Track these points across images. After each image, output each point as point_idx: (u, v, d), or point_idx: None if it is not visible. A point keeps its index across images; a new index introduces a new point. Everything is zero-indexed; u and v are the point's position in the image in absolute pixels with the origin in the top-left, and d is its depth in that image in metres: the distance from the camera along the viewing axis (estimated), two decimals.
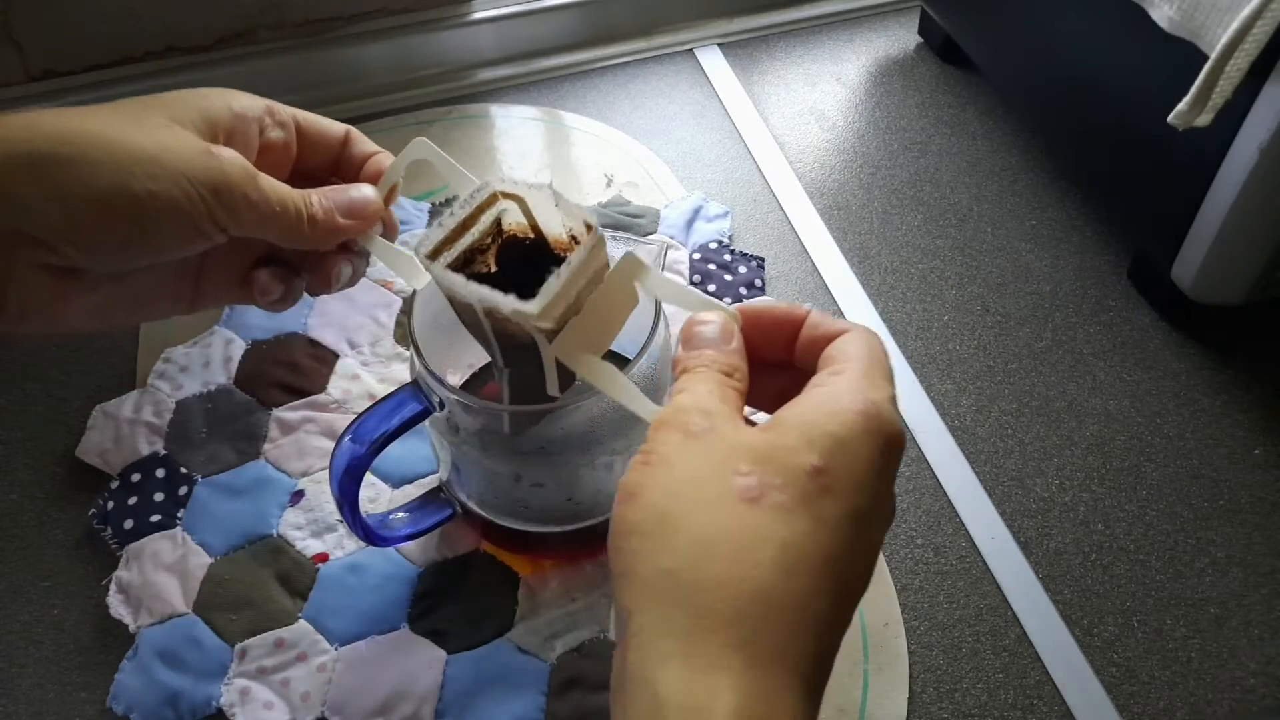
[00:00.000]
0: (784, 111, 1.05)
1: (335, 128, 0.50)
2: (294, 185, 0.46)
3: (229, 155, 0.41)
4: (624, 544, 0.31)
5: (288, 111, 0.49)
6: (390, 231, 0.50)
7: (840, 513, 0.30)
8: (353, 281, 0.51)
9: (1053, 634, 0.66)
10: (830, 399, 0.33)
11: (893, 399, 0.34)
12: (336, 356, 0.78)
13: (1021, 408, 0.79)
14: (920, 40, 1.13)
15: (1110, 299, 0.87)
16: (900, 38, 1.14)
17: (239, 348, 0.79)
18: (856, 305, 0.86)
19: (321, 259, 0.49)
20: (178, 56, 0.99)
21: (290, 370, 0.77)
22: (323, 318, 0.81)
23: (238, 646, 0.63)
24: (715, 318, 0.39)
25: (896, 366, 0.80)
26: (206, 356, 0.78)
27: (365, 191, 0.47)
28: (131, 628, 0.64)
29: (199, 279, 0.48)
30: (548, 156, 0.99)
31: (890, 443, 0.33)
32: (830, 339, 0.36)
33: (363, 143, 0.50)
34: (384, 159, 0.50)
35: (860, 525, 0.31)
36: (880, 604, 0.67)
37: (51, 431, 0.76)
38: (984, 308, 0.86)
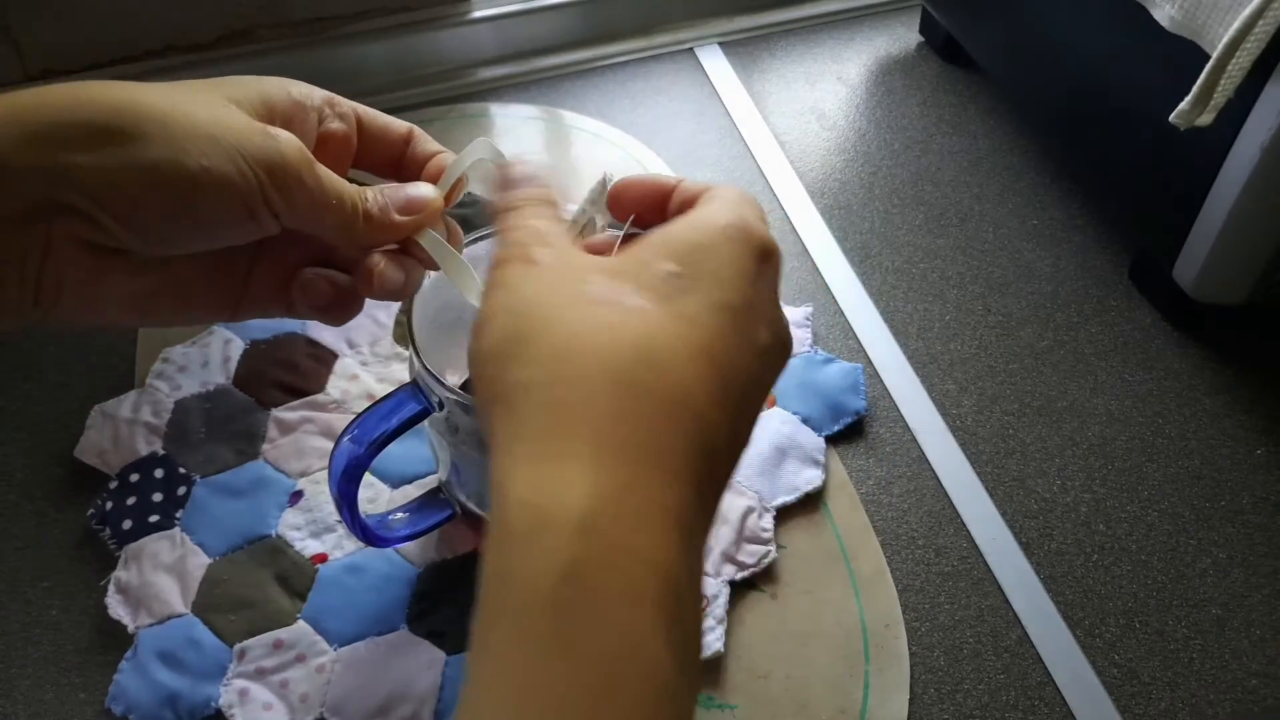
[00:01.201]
0: (785, 111, 1.04)
1: (398, 125, 0.49)
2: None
3: (286, 137, 0.39)
4: (481, 373, 0.29)
5: (349, 104, 0.47)
6: (454, 239, 0.47)
7: (705, 305, 0.28)
8: (405, 291, 0.46)
9: (1054, 635, 0.66)
10: (694, 218, 0.31)
11: (763, 221, 0.32)
12: (335, 356, 0.78)
13: (1023, 408, 0.79)
14: (921, 39, 1.12)
15: (1112, 299, 0.87)
16: (901, 36, 1.13)
17: (238, 347, 0.79)
18: (858, 305, 0.85)
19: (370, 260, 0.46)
20: (176, 55, 0.99)
21: (289, 370, 0.77)
22: None
23: (236, 647, 0.63)
24: (531, 160, 0.38)
25: (898, 366, 0.80)
26: (205, 356, 0.78)
27: (423, 190, 0.45)
28: (130, 628, 0.64)
29: (247, 281, 0.44)
30: (547, 156, 0.98)
31: (762, 251, 0.31)
32: (701, 194, 0.35)
33: (426, 142, 0.48)
34: (447, 158, 0.48)
35: (735, 320, 0.29)
36: (881, 605, 0.67)
37: (50, 431, 0.76)
38: (985, 308, 0.86)
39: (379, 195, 0.44)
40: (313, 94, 0.45)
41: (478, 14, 1.06)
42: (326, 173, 0.42)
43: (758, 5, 1.15)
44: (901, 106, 1.05)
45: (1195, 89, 0.65)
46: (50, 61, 0.96)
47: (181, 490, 0.70)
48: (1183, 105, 0.66)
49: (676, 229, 0.30)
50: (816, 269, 0.88)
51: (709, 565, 0.67)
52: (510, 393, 0.27)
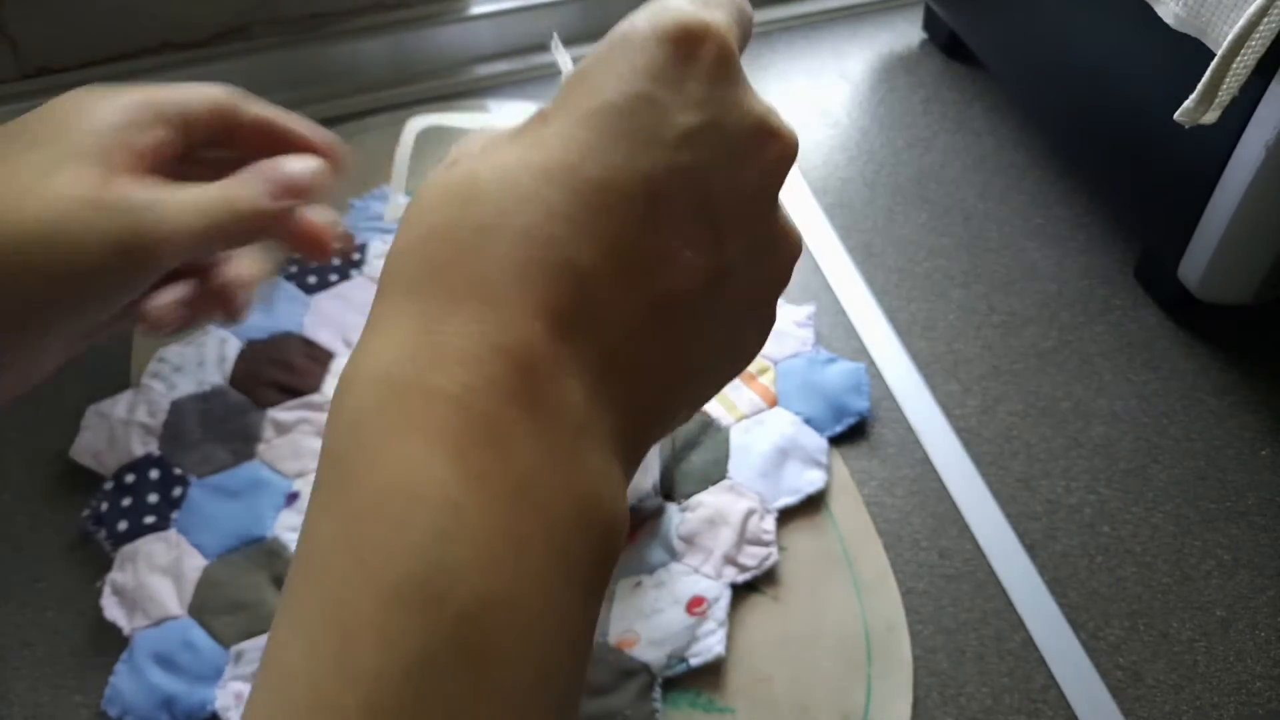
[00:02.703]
0: (787, 108, 1.04)
1: (206, 93, 0.39)
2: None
3: (131, 200, 0.34)
4: None
5: (166, 95, 0.39)
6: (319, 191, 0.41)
7: (565, 123, 0.23)
8: (198, 321, 0.41)
9: (1058, 637, 0.65)
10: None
11: (704, 4, 0.25)
12: (331, 356, 0.78)
13: (1027, 409, 0.78)
14: (925, 36, 1.12)
15: (1117, 298, 0.86)
16: (904, 33, 1.13)
17: (234, 347, 0.78)
18: (861, 304, 0.85)
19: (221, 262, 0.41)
20: (173, 53, 0.98)
21: (285, 370, 0.76)
22: (318, 317, 0.80)
23: (233, 649, 0.63)
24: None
25: (901, 366, 0.80)
26: (201, 356, 0.78)
27: (298, 166, 0.39)
28: (126, 630, 0.64)
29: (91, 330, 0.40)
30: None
31: (673, 36, 0.24)
32: None
33: (248, 106, 0.40)
34: (282, 120, 0.41)
35: (616, 119, 0.23)
36: (884, 608, 0.66)
37: (45, 432, 0.75)
38: (989, 307, 0.85)
39: (250, 184, 0.38)
40: (128, 104, 0.36)
41: (476, 10, 1.05)
42: (184, 203, 0.36)
43: (759, 1, 1.14)
44: (904, 104, 1.04)
45: (1200, 86, 0.65)
46: (46, 59, 0.95)
47: (177, 491, 0.70)
48: (1187, 103, 0.66)
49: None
50: (818, 268, 0.88)
51: (710, 568, 0.66)
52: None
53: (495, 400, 0.21)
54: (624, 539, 0.23)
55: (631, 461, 0.24)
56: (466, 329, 0.21)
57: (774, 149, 0.24)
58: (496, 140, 0.24)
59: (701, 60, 0.24)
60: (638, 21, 0.25)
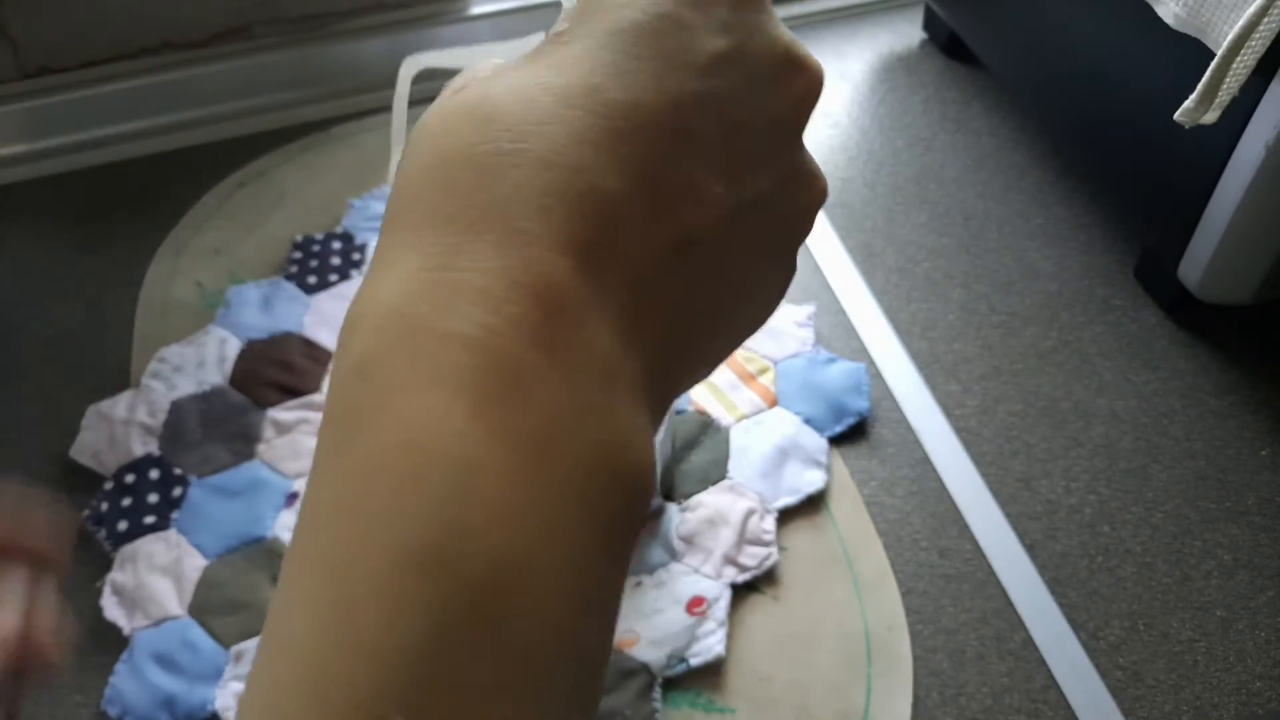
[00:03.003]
0: None
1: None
2: None
3: None
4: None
5: None
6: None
7: (584, 45, 0.21)
8: None
9: (1058, 638, 0.65)
10: None
11: None
12: (332, 356, 0.78)
13: (1027, 409, 0.78)
14: (925, 36, 1.11)
15: (1117, 298, 0.86)
16: (904, 33, 1.13)
17: (234, 347, 0.78)
18: (861, 304, 0.85)
19: None
20: (173, 53, 0.98)
21: (285, 370, 0.76)
22: (318, 317, 0.80)
23: (233, 649, 0.63)
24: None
25: (901, 366, 0.80)
26: (201, 356, 0.78)
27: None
28: (126, 630, 0.64)
29: None
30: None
31: None
32: None
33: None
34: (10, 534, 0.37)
35: (638, 39, 0.21)
36: (884, 607, 0.66)
37: (45, 432, 0.75)
38: (990, 307, 0.85)
39: None
40: None
41: (475, 10, 1.05)
42: None
43: None
44: (904, 104, 1.04)
45: (1200, 87, 0.64)
46: (47, 59, 0.95)
47: (177, 491, 0.70)
48: (1187, 103, 0.65)
49: None
50: (818, 268, 0.88)
51: (710, 568, 0.66)
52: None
53: (518, 344, 0.19)
54: (653, 494, 0.22)
55: (657, 414, 0.22)
56: (486, 264, 0.19)
57: (801, 80, 0.23)
58: (509, 64, 0.22)
59: None
60: None
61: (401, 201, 0.21)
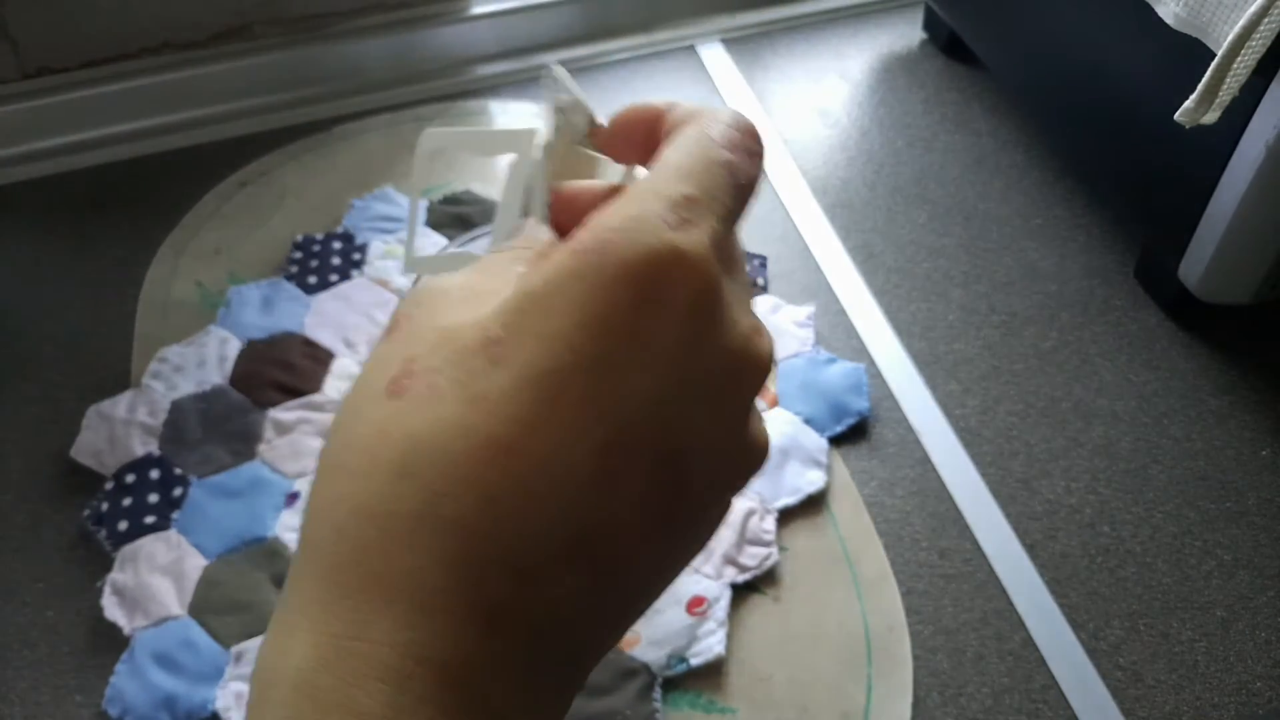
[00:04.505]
0: (787, 108, 1.04)
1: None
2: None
3: None
4: None
5: None
6: None
7: (515, 379, 0.20)
8: None
9: (1059, 638, 0.65)
10: (572, 241, 0.21)
11: (683, 217, 0.21)
12: (332, 356, 0.78)
13: (1028, 409, 0.78)
14: (925, 36, 1.12)
15: (1117, 298, 0.86)
16: (905, 33, 1.13)
17: (234, 347, 0.78)
18: (861, 304, 0.85)
19: None
20: (174, 53, 0.98)
21: (286, 370, 0.76)
22: (319, 317, 0.80)
23: (234, 649, 0.63)
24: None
25: (902, 366, 0.80)
26: (201, 356, 0.78)
27: None
28: (126, 630, 0.64)
29: None
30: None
31: (648, 275, 0.20)
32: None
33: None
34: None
35: (563, 387, 0.20)
36: (884, 608, 0.66)
37: (46, 432, 0.75)
38: (990, 307, 0.85)
39: None
40: None
41: (477, 10, 1.05)
42: None
43: (760, 1, 1.14)
44: (905, 104, 1.04)
45: (1200, 87, 0.64)
46: (47, 59, 0.95)
47: (178, 491, 0.70)
48: (1188, 103, 0.65)
49: (529, 272, 0.22)
50: (818, 268, 0.88)
51: (710, 568, 0.66)
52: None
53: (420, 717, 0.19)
54: None
55: (568, 698, 0.23)
56: (394, 637, 0.20)
57: (752, 378, 0.22)
58: (457, 358, 0.21)
59: (671, 305, 0.20)
60: (605, 242, 0.21)
61: (313, 545, 0.21)
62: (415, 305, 0.23)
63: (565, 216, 0.26)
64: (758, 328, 0.22)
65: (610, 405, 0.20)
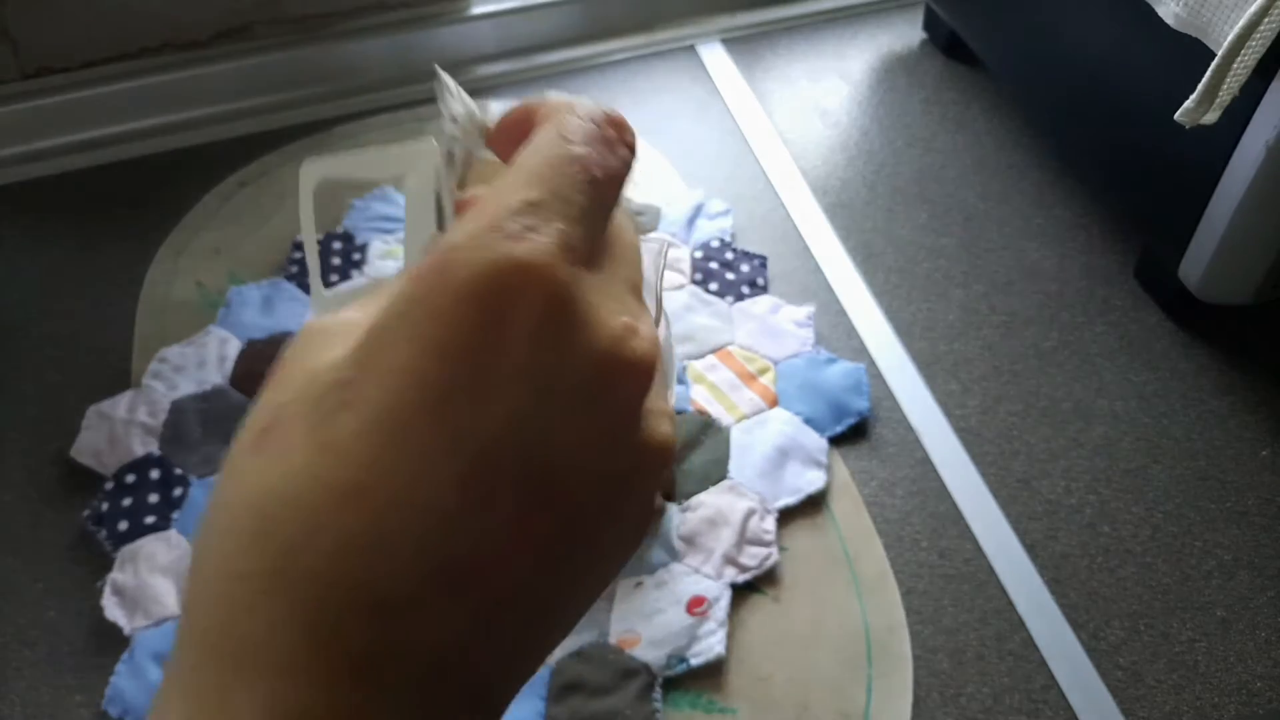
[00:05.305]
0: (787, 108, 1.04)
1: None
2: None
3: None
4: None
5: None
6: None
7: (363, 420, 0.20)
8: None
9: (1059, 638, 0.65)
10: (416, 265, 0.21)
11: (526, 224, 0.20)
12: None
13: (1028, 409, 0.78)
14: (925, 36, 1.12)
15: (1117, 298, 0.86)
16: (904, 33, 1.13)
17: (234, 347, 0.78)
18: (861, 304, 0.85)
19: None
20: (174, 53, 0.98)
21: None
22: None
23: None
24: None
25: (902, 366, 0.80)
26: (202, 356, 0.78)
27: None
28: (126, 630, 0.64)
29: None
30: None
31: (478, 293, 0.19)
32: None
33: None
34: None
35: (410, 425, 0.19)
36: (884, 608, 0.66)
37: (46, 432, 0.75)
38: (990, 307, 0.85)
39: None
40: None
41: (477, 10, 1.05)
42: None
43: (760, 1, 1.14)
44: (905, 104, 1.04)
45: (1200, 87, 0.64)
46: (47, 59, 0.95)
47: (178, 491, 0.70)
48: (1188, 103, 0.65)
49: (381, 305, 0.21)
50: (818, 268, 0.88)
51: (710, 568, 0.67)
52: None
53: None
54: None
55: None
56: (254, 704, 0.19)
57: (626, 382, 0.21)
58: (311, 398, 0.21)
59: (516, 320, 0.20)
60: (445, 263, 0.20)
61: (188, 610, 0.21)
62: (295, 347, 0.22)
63: None
64: (631, 325, 0.21)
65: (463, 433, 0.20)
